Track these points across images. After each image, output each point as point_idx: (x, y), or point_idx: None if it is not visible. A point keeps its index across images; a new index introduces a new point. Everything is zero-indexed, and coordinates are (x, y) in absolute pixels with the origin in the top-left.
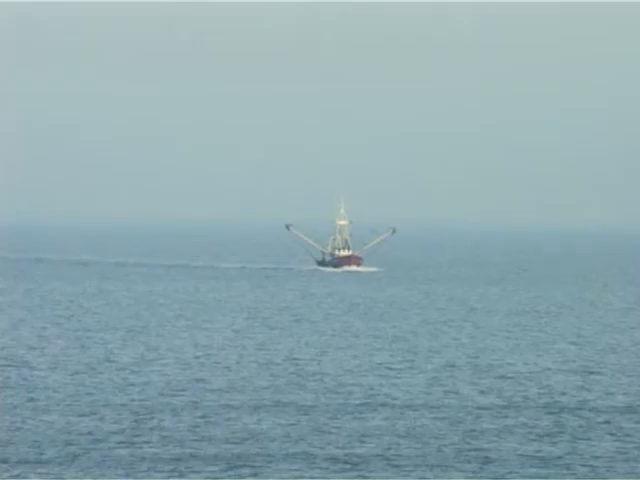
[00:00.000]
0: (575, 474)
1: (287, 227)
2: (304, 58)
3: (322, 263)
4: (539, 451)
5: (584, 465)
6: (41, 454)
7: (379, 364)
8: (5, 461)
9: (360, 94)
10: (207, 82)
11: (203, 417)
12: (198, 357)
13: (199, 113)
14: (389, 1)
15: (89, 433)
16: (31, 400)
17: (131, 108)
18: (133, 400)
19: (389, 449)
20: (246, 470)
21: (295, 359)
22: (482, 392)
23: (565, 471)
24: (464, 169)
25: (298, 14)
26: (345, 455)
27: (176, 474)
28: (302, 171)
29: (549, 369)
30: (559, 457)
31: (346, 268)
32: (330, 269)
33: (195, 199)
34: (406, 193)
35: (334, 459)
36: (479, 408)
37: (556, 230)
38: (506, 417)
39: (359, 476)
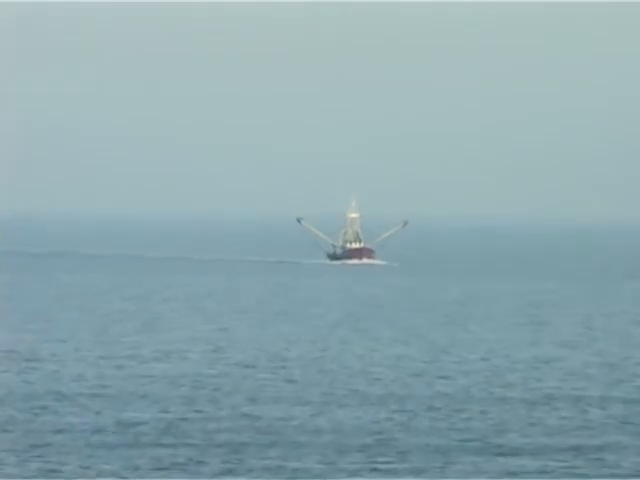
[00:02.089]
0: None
1: (298, 220)
2: (304, 58)
3: (333, 256)
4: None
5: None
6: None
7: (402, 357)
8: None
9: (360, 94)
10: (207, 82)
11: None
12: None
13: (199, 113)
14: (389, 1)
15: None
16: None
17: (131, 108)
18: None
19: (407, 442)
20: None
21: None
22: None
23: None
24: (464, 169)
25: (298, 14)
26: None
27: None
28: (302, 171)
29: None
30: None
31: (358, 261)
32: (342, 262)
33: (195, 198)
34: (406, 192)
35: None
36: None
37: (556, 228)
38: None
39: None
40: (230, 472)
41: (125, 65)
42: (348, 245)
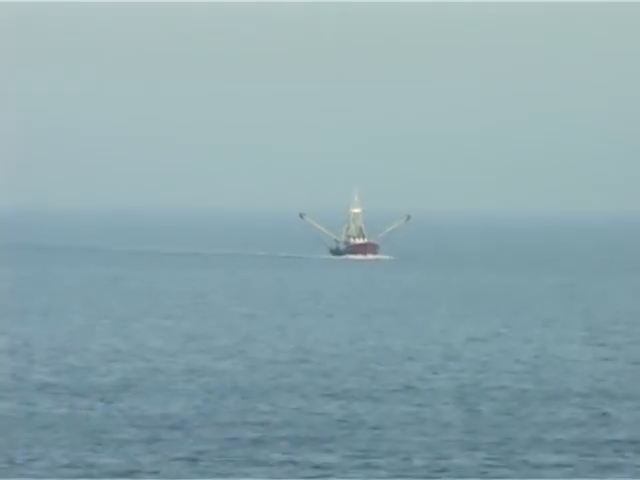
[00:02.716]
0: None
1: (301, 216)
2: (304, 58)
3: (336, 251)
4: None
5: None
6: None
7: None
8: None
9: (360, 94)
10: (207, 82)
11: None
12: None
13: (199, 113)
14: (389, 1)
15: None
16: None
17: (131, 108)
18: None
19: (419, 436)
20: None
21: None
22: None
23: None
24: (464, 169)
25: (298, 14)
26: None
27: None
28: (302, 171)
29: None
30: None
31: (362, 256)
32: (345, 257)
33: (195, 197)
34: (406, 192)
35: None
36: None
37: (556, 226)
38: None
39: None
40: (245, 465)
41: (125, 65)
42: (352, 240)
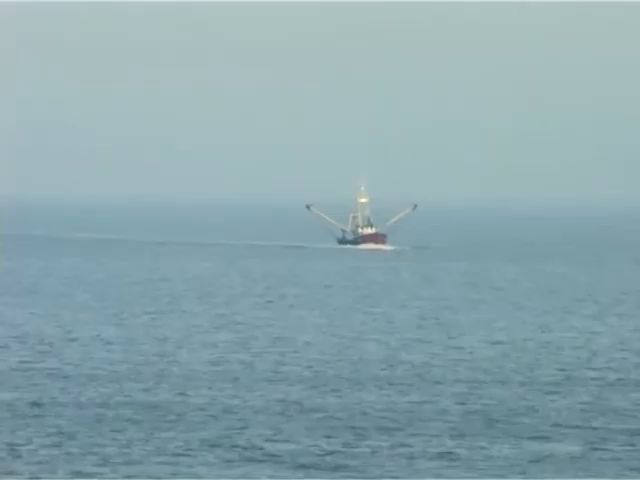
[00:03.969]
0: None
1: (308, 207)
2: (304, 58)
3: (342, 241)
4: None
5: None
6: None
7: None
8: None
9: (360, 94)
10: (207, 82)
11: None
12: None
13: (199, 113)
14: (389, 1)
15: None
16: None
17: (131, 108)
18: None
19: (442, 422)
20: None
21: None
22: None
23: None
24: (465, 169)
25: (298, 14)
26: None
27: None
28: (301, 171)
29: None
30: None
31: (372, 246)
32: (353, 247)
33: (196, 193)
34: (406, 190)
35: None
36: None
37: (559, 217)
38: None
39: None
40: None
41: (125, 65)
42: (360, 230)
